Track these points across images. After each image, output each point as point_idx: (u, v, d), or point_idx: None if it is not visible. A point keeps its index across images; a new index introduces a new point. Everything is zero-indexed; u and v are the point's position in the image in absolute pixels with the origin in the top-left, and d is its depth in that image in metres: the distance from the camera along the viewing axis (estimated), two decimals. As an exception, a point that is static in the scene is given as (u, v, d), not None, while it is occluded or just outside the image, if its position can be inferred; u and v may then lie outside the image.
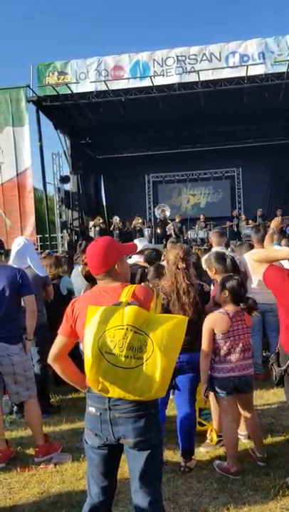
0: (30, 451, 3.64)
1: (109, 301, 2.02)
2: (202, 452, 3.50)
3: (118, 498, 2.60)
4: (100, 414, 2.05)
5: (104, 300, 2.07)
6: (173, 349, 1.92)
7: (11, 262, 4.18)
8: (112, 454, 2.12)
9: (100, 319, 1.93)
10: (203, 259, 4.98)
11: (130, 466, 2.10)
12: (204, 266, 4.62)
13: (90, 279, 3.95)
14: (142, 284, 4.09)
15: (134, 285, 2.10)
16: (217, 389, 3.20)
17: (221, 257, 3.60)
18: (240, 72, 12.38)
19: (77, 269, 5.16)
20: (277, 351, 2.99)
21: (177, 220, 15.82)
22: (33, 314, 3.65)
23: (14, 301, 3.54)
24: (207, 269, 4.12)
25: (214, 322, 3.18)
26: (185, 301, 3.19)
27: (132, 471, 2.08)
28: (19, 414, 4.35)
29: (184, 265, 3.26)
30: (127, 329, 1.89)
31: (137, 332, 1.89)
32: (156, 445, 2.07)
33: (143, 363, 1.88)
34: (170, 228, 15.52)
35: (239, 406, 3.31)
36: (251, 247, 5.67)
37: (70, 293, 5.39)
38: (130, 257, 5.25)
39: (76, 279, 5.17)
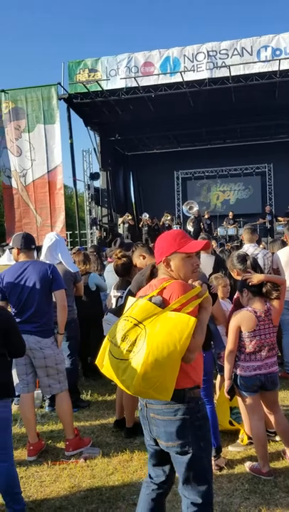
0: (61, 444, 3.68)
1: (150, 293, 2.00)
2: (233, 452, 3.45)
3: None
4: (141, 409, 2.08)
5: (150, 292, 2.02)
6: (167, 349, 1.78)
7: (42, 257, 4.24)
8: (159, 448, 2.08)
9: (125, 310, 2.01)
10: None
11: (174, 464, 2.08)
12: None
13: (120, 274, 3.99)
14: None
15: (172, 280, 1.99)
16: (241, 387, 3.15)
17: (242, 258, 3.53)
18: (273, 67, 12.17)
19: (111, 265, 5.20)
20: None
21: (206, 217, 15.68)
22: (63, 308, 3.69)
23: (45, 295, 3.58)
24: (230, 271, 4.04)
25: (241, 320, 3.13)
26: None
27: (176, 471, 2.08)
28: (51, 408, 4.40)
29: None
30: (127, 320, 1.90)
31: (137, 325, 1.86)
32: (192, 450, 1.95)
33: (132, 357, 1.83)
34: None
35: (264, 404, 3.24)
36: (284, 243, 5.57)
37: (98, 289, 5.43)
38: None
39: (109, 274, 5.21)
